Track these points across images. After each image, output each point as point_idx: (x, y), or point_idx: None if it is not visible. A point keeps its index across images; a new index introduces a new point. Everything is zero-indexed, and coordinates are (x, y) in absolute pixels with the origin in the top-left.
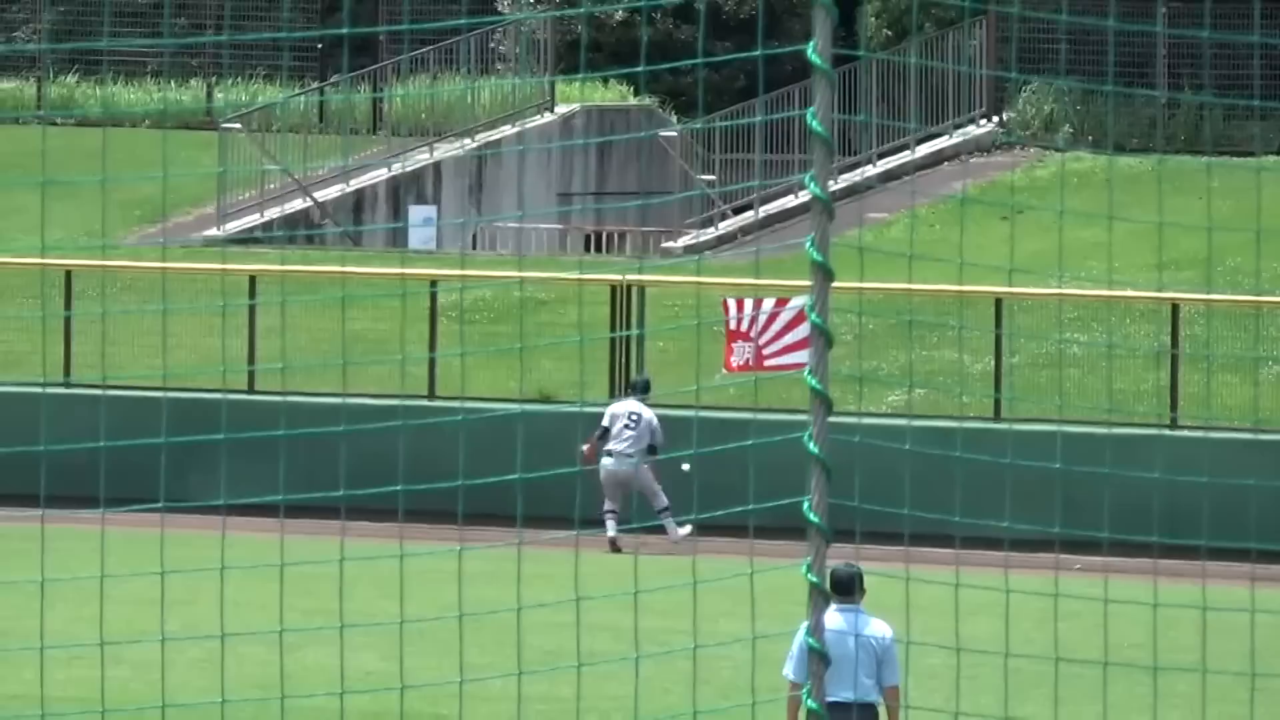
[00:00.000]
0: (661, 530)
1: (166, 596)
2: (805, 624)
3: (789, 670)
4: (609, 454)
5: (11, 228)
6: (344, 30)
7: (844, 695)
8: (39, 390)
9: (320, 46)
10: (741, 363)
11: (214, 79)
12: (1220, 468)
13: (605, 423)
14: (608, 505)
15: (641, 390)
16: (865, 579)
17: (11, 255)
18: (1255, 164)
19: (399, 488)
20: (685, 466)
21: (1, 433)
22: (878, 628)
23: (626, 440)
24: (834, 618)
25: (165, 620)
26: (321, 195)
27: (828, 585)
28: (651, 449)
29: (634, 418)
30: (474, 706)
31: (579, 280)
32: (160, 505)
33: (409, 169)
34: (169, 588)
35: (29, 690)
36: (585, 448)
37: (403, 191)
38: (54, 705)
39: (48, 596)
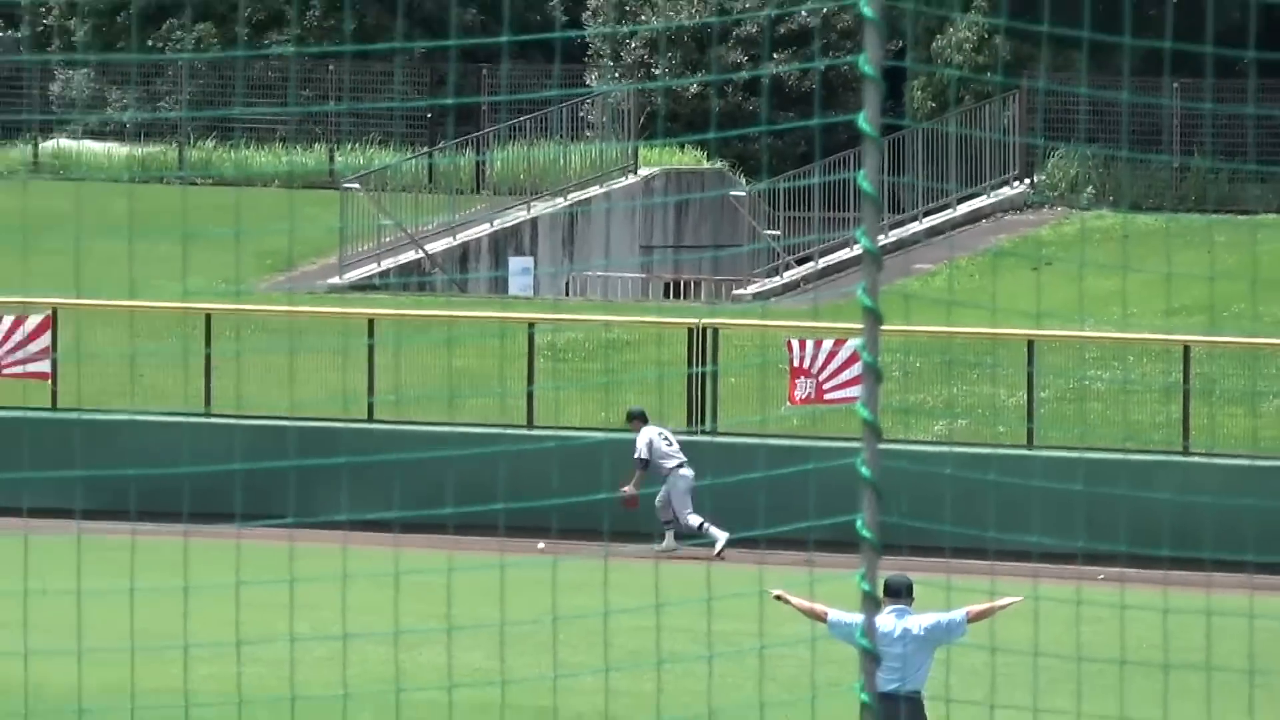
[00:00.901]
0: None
1: (295, 601)
2: (854, 619)
3: (832, 626)
4: (681, 465)
5: (157, 275)
6: (450, 101)
7: (892, 687)
8: (182, 419)
9: (429, 115)
10: (804, 396)
11: (335, 144)
12: (1224, 489)
13: (645, 454)
14: (672, 518)
15: (644, 416)
16: (914, 588)
17: (157, 300)
18: (1254, 222)
19: (500, 506)
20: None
21: (150, 458)
22: (920, 619)
23: (680, 453)
24: (885, 618)
25: (294, 623)
26: (431, 247)
27: (880, 593)
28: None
29: (665, 436)
30: (567, 699)
31: (659, 323)
32: (289, 521)
33: (509, 224)
34: (298, 594)
35: (175, 684)
36: (629, 489)
37: (503, 244)
38: (197, 698)
39: (191, 602)
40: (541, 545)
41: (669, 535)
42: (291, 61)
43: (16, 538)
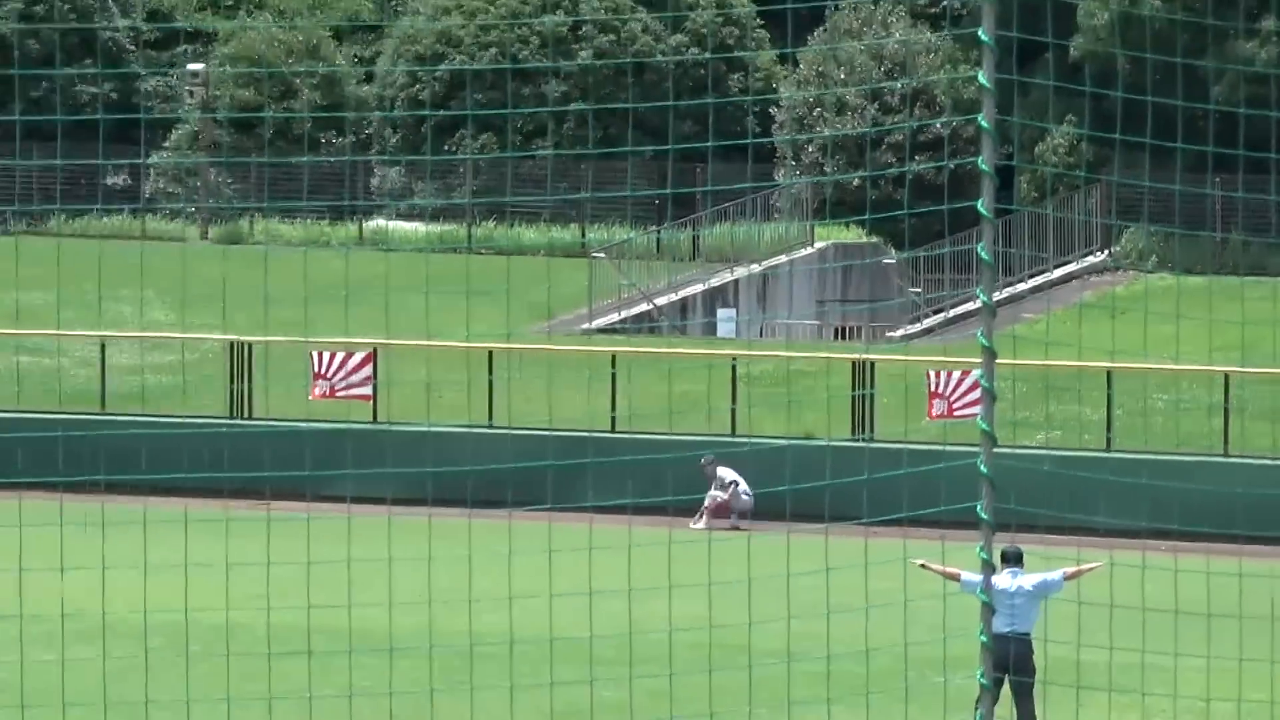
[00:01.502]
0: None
1: (554, 567)
2: (980, 579)
3: (964, 584)
4: (747, 494)
5: (450, 323)
6: (669, 190)
7: (1004, 629)
8: (469, 430)
9: (656, 202)
10: (938, 413)
11: (585, 223)
12: (1253, 483)
13: (733, 477)
14: (706, 511)
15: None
16: (1024, 556)
17: (451, 340)
18: (1277, 282)
19: (706, 495)
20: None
21: (444, 459)
22: (1029, 578)
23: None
24: (1003, 578)
25: (553, 582)
26: (659, 301)
27: (997, 559)
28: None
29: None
30: (760, 639)
31: (830, 357)
32: (548, 506)
33: (717, 284)
34: (555, 561)
35: (463, 628)
36: (724, 496)
37: (713, 298)
38: (480, 639)
39: (475, 566)
40: (694, 524)
41: (704, 518)
42: (550, 161)
43: (340, 520)
